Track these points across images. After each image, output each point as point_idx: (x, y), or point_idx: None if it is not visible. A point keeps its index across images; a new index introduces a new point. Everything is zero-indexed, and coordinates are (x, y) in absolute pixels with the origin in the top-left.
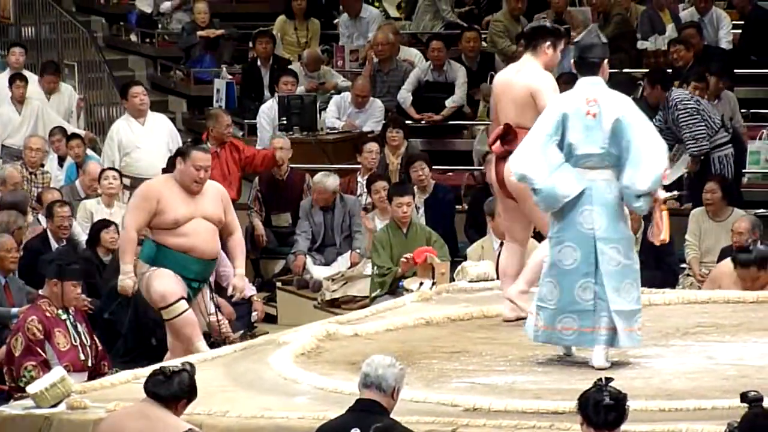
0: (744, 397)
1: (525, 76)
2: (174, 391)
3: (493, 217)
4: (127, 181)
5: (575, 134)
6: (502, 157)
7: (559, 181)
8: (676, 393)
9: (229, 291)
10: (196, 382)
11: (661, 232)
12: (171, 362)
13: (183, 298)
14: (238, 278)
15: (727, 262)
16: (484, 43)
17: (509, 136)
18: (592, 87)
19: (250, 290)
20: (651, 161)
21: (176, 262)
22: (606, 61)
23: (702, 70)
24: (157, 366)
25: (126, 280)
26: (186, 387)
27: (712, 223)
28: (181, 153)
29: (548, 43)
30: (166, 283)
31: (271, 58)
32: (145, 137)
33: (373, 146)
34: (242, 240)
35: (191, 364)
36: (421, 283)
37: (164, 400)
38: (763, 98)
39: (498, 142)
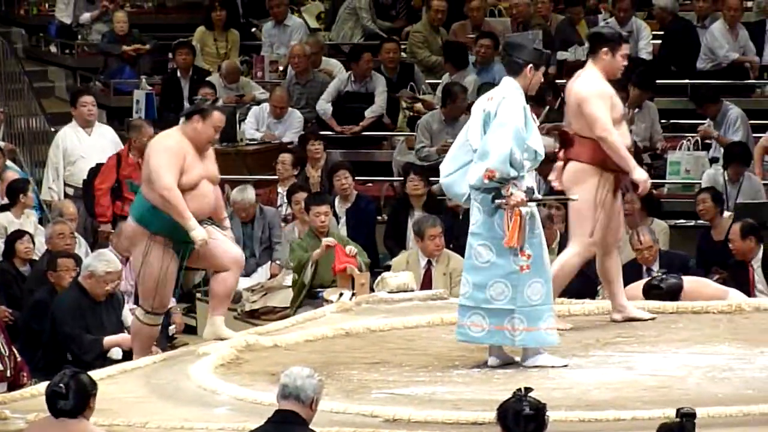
0: (678, 411)
1: (577, 83)
2: (76, 403)
3: (422, 238)
4: (70, 191)
5: (475, 131)
6: (565, 163)
7: (454, 180)
8: (596, 404)
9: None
10: (87, 376)
11: (507, 236)
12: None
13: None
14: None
15: (637, 287)
16: (404, 54)
17: (566, 143)
18: (500, 86)
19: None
20: (485, 158)
21: (173, 226)
22: (530, 66)
23: (623, 80)
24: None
25: (201, 234)
26: (84, 391)
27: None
28: (201, 111)
29: (605, 48)
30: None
31: (191, 69)
32: (91, 147)
33: (285, 157)
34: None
35: (67, 367)
36: (341, 294)
37: (73, 414)
38: (683, 109)
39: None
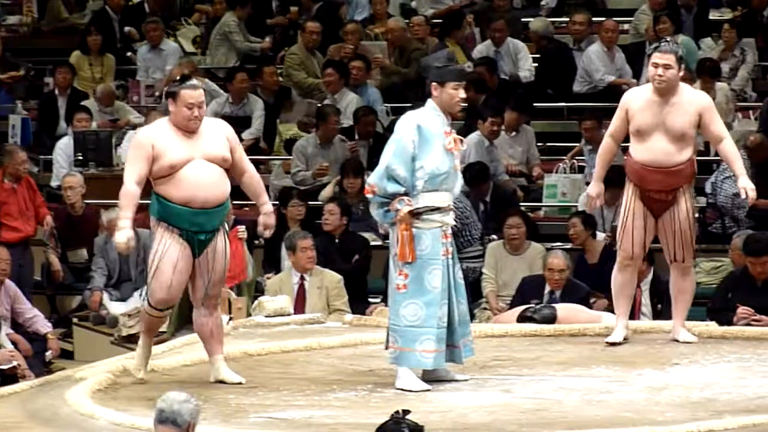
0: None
1: None
2: None
3: (294, 251)
4: None
5: None
6: None
7: None
8: (473, 427)
9: (259, 230)
10: None
11: (398, 251)
12: None
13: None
14: (266, 216)
15: (511, 315)
16: (281, 78)
17: None
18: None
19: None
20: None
21: (178, 216)
22: (434, 84)
23: (499, 105)
24: None
25: (119, 237)
26: None
27: (510, 256)
28: (169, 94)
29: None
30: (162, 286)
31: (69, 89)
32: None
33: None
34: (258, 177)
35: None
36: (231, 319)
37: None
38: (560, 132)
39: None
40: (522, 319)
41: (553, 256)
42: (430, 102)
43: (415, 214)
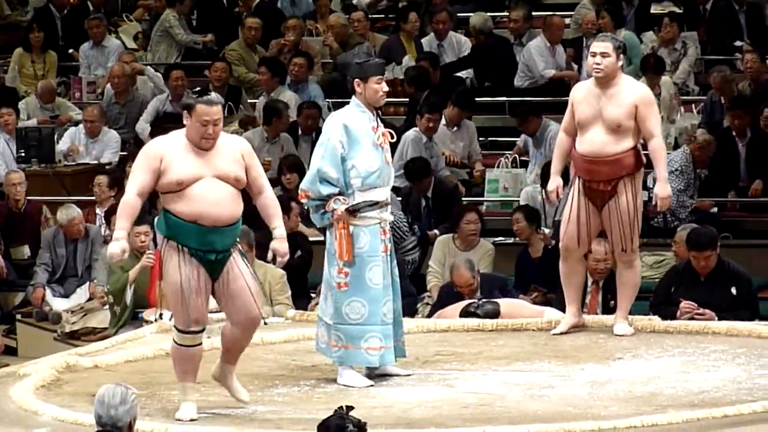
0: None
1: None
2: None
3: (251, 249)
4: None
5: None
6: None
7: None
8: (416, 422)
9: (269, 256)
10: None
11: (337, 251)
12: None
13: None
14: (277, 241)
15: (454, 310)
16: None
17: None
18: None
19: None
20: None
21: (187, 234)
22: (356, 80)
23: (438, 101)
24: None
25: (113, 247)
26: None
27: (459, 252)
28: (186, 107)
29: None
30: (191, 306)
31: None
32: None
33: (101, 179)
34: (274, 198)
35: None
36: (161, 315)
37: None
38: (501, 126)
39: None
40: (465, 314)
41: (458, 267)
42: (354, 100)
43: (352, 212)
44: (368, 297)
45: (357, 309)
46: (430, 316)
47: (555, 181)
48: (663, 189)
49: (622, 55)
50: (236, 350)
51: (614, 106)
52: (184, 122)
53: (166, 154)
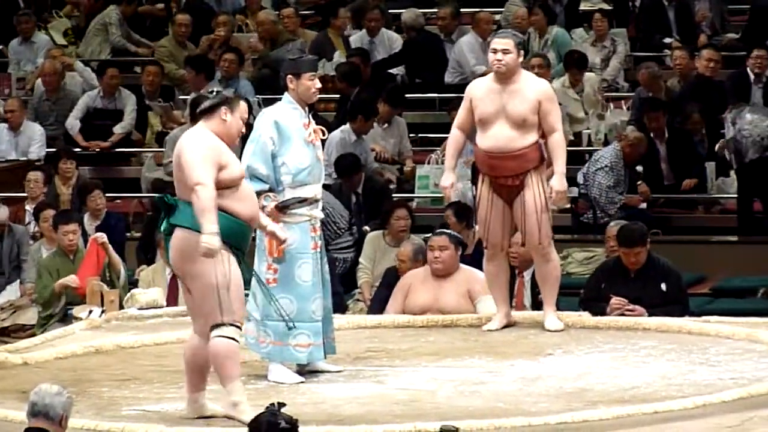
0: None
1: None
2: None
3: (160, 245)
4: None
5: None
6: None
7: None
8: (347, 418)
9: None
10: None
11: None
12: None
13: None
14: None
15: (420, 272)
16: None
17: None
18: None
19: None
20: None
21: (243, 236)
22: (289, 76)
23: (371, 103)
24: None
25: (209, 238)
26: None
27: (389, 248)
28: (227, 101)
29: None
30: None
31: None
32: None
33: (36, 175)
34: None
35: None
36: (91, 311)
37: None
38: (431, 123)
39: None
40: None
41: (405, 245)
42: (286, 96)
43: (282, 209)
44: (297, 294)
45: (285, 305)
46: (377, 299)
47: (450, 178)
48: (560, 183)
49: (521, 51)
50: (206, 367)
51: (518, 102)
52: (223, 117)
53: (224, 148)
